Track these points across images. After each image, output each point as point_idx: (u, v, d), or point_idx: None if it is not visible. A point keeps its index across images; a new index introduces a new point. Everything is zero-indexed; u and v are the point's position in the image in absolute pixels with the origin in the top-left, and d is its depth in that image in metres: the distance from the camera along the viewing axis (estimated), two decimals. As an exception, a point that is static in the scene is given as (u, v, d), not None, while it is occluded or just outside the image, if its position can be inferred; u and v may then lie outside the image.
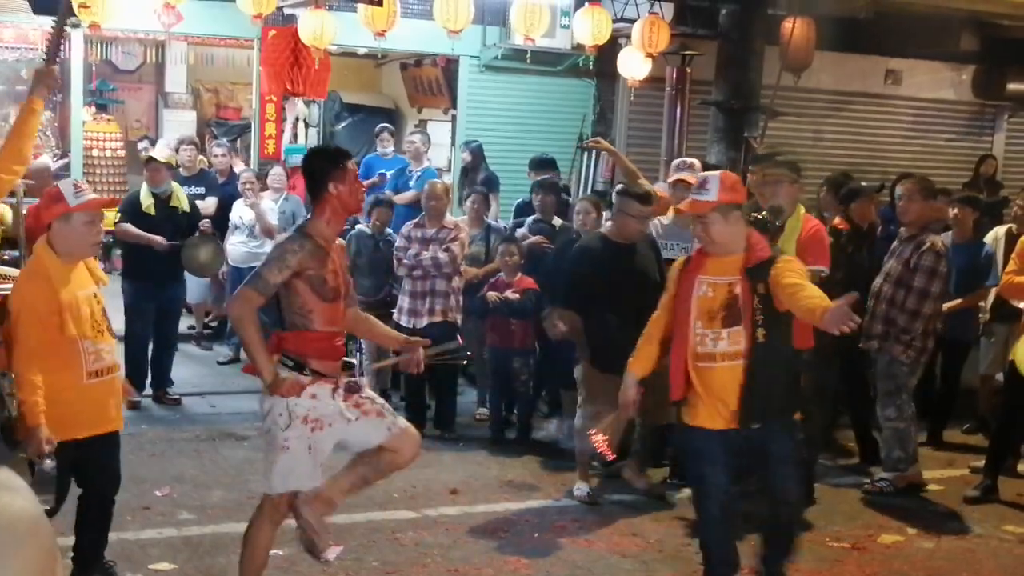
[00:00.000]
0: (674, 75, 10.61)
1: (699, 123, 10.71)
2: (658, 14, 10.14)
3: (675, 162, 7.62)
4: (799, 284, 4.58)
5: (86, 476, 4.79)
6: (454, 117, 12.15)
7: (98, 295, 4.66)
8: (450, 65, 12.07)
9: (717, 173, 4.96)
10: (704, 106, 10.59)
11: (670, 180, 7.16)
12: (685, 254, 5.73)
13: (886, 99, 12.76)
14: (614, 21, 10.15)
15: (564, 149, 11.20)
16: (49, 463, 4.44)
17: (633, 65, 10.33)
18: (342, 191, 4.50)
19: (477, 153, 10.80)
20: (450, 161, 11.99)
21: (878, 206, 8.70)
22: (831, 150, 12.11)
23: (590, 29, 9.93)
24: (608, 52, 10.55)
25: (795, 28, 10.28)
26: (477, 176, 10.56)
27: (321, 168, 4.55)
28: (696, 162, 7.43)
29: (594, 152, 11.02)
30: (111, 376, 4.66)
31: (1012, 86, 12.98)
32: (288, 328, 4.54)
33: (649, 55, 10.13)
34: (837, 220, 7.56)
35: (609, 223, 6.86)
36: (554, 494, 6.80)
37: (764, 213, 6.57)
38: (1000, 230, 8.31)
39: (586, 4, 10.02)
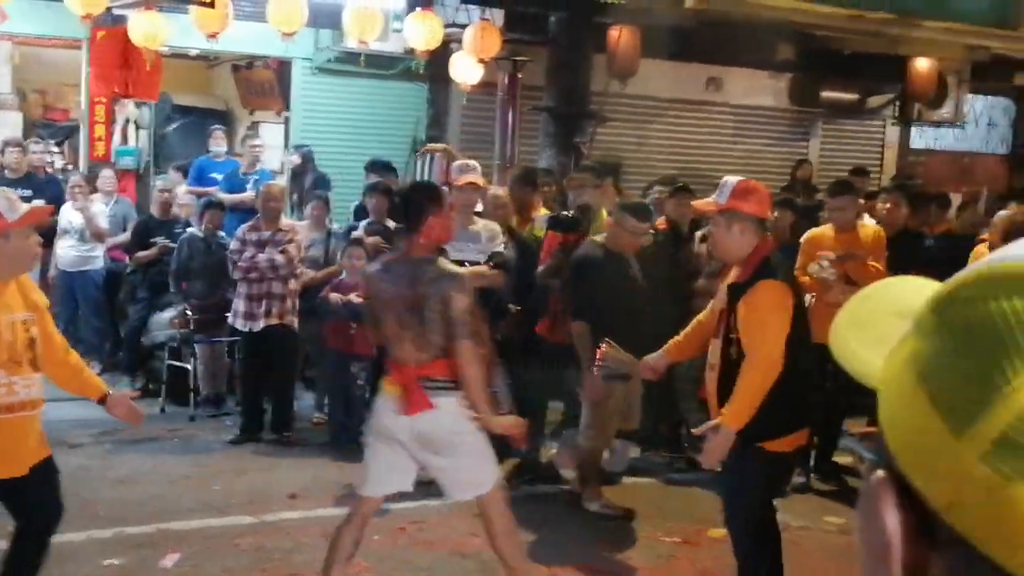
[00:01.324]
0: (506, 80, 10.82)
1: (530, 128, 10.95)
2: (489, 20, 10.31)
3: (457, 164, 7.64)
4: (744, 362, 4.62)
5: (17, 512, 4.43)
6: (287, 119, 12.09)
7: (28, 322, 4.23)
8: (283, 67, 12.00)
9: (735, 179, 4.84)
10: (535, 111, 10.84)
11: (459, 183, 7.17)
12: (482, 256, 6.12)
13: (708, 105, 13.20)
14: (446, 26, 10.28)
15: (398, 152, 11.28)
16: None
17: (465, 70, 10.48)
18: (438, 223, 4.87)
19: (307, 156, 10.78)
20: (283, 164, 11.92)
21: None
22: (658, 155, 12.48)
23: (422, 34, 10.04)
24: (440, 56, 10.67)
25: (621, 36, 10.61)
26: (306, 179, 10.53)
27: (420, 203, 4.88)
28: (474, 163, 7.60)
29: (427, 155, 11.17)
30: (26, 413, 4.23)
31: (826, 94, 13.62)
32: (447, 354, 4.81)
33: (481, 60, 10.30)
34: (658, 220, 7.91)
35: (605, 234, 6.84)
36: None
37: (572, 212, 6.88)
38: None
39: (418, 9, 10.12)
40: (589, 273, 6.54)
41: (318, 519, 6.34)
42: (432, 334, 4.77)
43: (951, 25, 12.46)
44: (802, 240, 7.49)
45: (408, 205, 4.99)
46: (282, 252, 8.03)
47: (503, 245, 7.20)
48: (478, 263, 7.04)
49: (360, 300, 8.01)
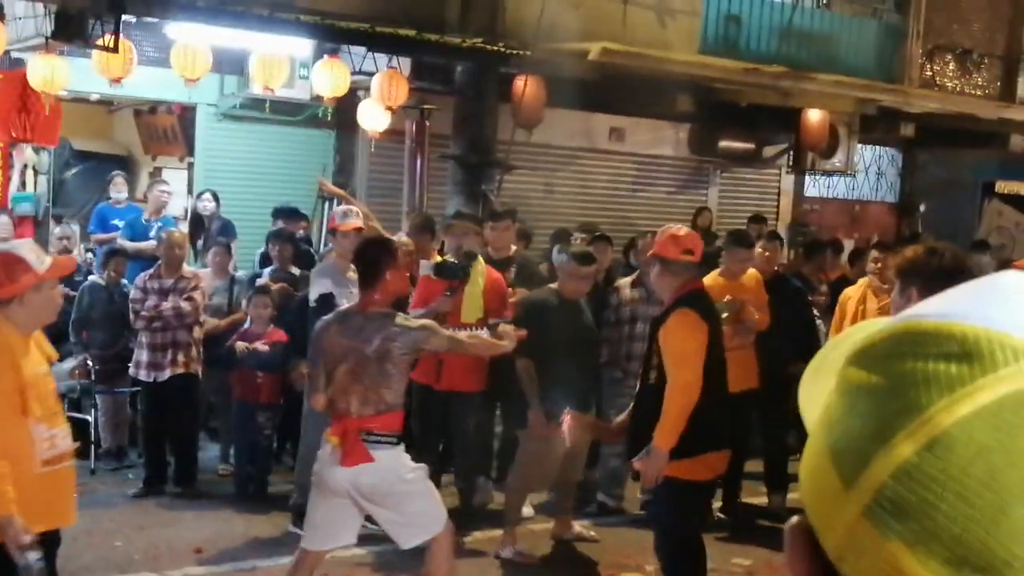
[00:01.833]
0: (413, 128, 10.88)
1: (438, 176, 11.02)
2: (396, 69, 10.37)
3: (340, 209, 7.68)
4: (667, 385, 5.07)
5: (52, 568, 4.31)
6: (191, 165, 11.96)
7: (48, 373, 4.23)
8: (187, 113, 11.88)
9: (667, 227, 5.48)
10: (443, 159, 10.91)
11: (343, 229, 7.22)
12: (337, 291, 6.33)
13: (612, 154, 13.39)
14: (353, 74, 10.30)
15: (305, 199, 11.23)
16: (34, 555, 3.94)
17: (373, 117, 10.50)
18: (395, 278, 5.08)
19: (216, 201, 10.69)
20: (186, 210, 11.78)
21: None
22: (564, 202, 12.63)
23: (329, 81, 10.05)
24: (348, 104, 10.69)
25: (527, 86, 10.75)
26: (212, 226, 10.41)
27: (376, 258, 5.04)
28: (355, 208, 7.70)
29: (334, 201, 11.14)
30: (65, 465, 4.23)
31: (723, 144, 13.94)
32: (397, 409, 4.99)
33: (388, 108, 10.34)
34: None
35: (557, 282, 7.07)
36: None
37: (452, 259, 7.03)
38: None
39: (325, 57, 10.13)
40: (543, 317, 6.73)
41: (224, 574, 6.25)
42: (384, 389, 4.86)
43: (841, 79, 12.94)
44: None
45: (364, 260, 5.11)
46: (188, 300, 7.93)
47: None
48: None
49: (266, 349, 7.95)
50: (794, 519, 0.75)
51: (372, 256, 5.08)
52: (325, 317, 5.37)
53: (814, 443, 0.74)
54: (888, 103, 13.99)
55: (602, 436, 6.17)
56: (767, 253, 8.19)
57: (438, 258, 7.85)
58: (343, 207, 7.78)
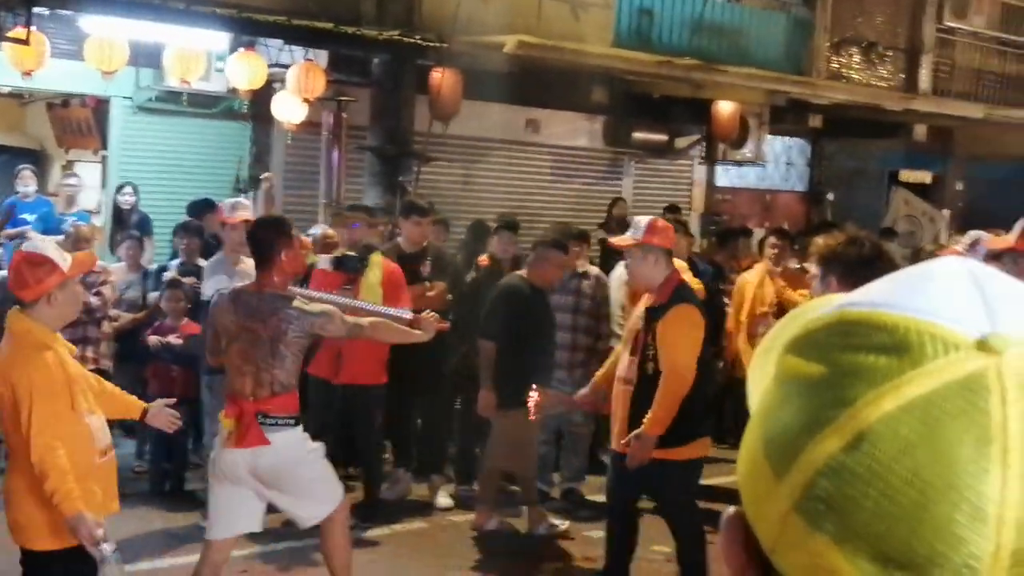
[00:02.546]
0: (330, 120, 10.90)
1: (356, 167, 11.06)
2: (313, 61, 10.39)
3: (229, 202, 7.73)
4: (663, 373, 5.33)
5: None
6: (105, 158, 11.84)
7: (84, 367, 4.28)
8: (101, 106, 11.75)
9: (649, 217, 5.67)
10: (360, 151, 10.96)
11: (232, 222, 7.29)
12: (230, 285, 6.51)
13: (527, 146, 13.51)
14: (269, 66, 10.30)
15: (221, 191, 11.18)
16: (108, 547, 3.92)
17: (289, 109, 10.50)
18: (290, 258, 4.98)
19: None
20: (100, 203, 11.66)
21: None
22: (482, 194, 12.70)
23: (245, 73, 10.04)
24: (264, 96, 10.67)
25: (444, 79, 10.84)
26: (131, 220, 10.34)
27: (269, 237, 4.94)
28: (245, 201, 7.84)
29: (250, 193, 11.16)
30: (112, 453, 4.28)
31: (637, 135, 14.14)
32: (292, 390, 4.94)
33: (305, 100, 10.35)
34: (481, 257, 8.21)
35: (527, 268, 7.18)
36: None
37: (351, 252, 7.13)
38: None
39: (241, 49, 10.12)
40: (514, 304, 6.92)
41: (142, 572, 6.21)
42: (277, 370, 4.81)
43: (751, 71, 13.23)
44: (625, 280, 7.94)
45: (257, 240, 5.04)
46: (97, 294, 7.88)
47: None
48: None
49: (180, 342, 7.92)
50: (731, 509, 0.74)
51: (265, 236, 5.00)
52: (220, 291, 5.32)
53: (751, 431, 0.73)
54: (797, 95, 14.31)
55: (571, 406, 6.44)
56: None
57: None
58: (231, 200, 7.76)
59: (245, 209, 7.40)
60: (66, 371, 4.08)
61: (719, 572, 5.56)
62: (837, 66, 14.84)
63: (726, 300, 9.30)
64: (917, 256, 13.20)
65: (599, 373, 6.11)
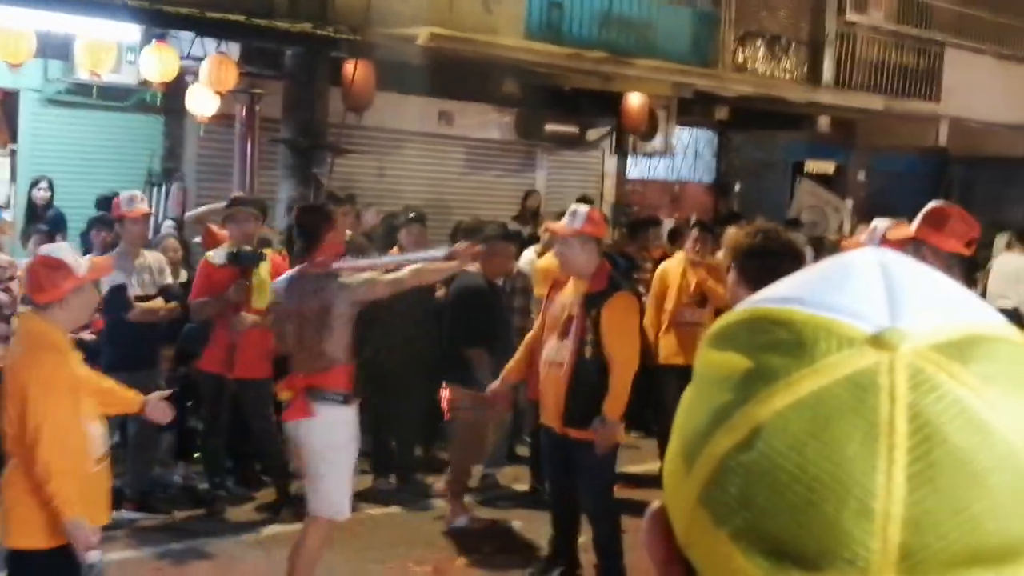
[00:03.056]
0: (243, 113, 10.92)
1: (270, 160, 11.09)
2: (225, 53, 10.39)
3: (126, 196, 7.63)
4: (611, 359, 5.58)
5: None
6: (14, 152, 11.68)
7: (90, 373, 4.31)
8: (9, 98, 11.59)
9: (587, 208, 5.90)
10: (274, 143, 10.99)
11: (132, 216, 7.32)
12: (153, 290, 6.61)
13: (442, 138, 13.63)
14: (181, 58, 10.27)
15: (132, 185, 11.11)
16: (96, 555, 3.97)
17: (202, 102, 10.49)
18: (333, 239, 5.39)
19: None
20: (9, 198, 11.51)
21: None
22: (397, 186, 12.76)
23: (157, 66, 10.00)
24: (176, 88, 10.64)
25: (357, 71, 10.91)
26: (46, 214, 10.23)
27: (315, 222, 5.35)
28: (141, 194, 7.97)
29: (163, 186, 11.15)
30: (107, 462, 4.27)
31: (549, 127, 14.35)
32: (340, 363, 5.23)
33: (218, 93, 10.35)
34: (392, 250, 8.28)
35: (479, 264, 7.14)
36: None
37: (245, 247, 7.20)
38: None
39: (153, 41, 10.08)
40: (480, 302, 7.10)
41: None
42: (325, 344, 5.13)
43: (659, 64, 13.50)
44: (537, 268, 8.13)
45: (303, 227, 5.46)
46: (5, 290, 7.82)
47: (171, 277, 7.57)
48: (150, 296, 7.22)
49: (92, 338, 7.86)
50: (656, 501, 0.74)
51: (311, 221, 5.43)
52: (276, 281, 5.68)
53: (675, 423, 0.72)
54: (703, 87, 14.59)
55: (483, 402, 6.54)
56: None
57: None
58: (127, 194, 7.70)
59: (143, 203, 7.44)
60: (75, 376, 4.16)
61: (636, 560, 5.73)
62: (742, 59, 15.18)
63: (642, 290, 9.46)
64: (820, 245, 13.62)
65: (509, 365, 6.26)
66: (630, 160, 15.84)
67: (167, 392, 4.86)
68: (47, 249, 4.58)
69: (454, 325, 7.20)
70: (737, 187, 17.78)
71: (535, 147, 14.66)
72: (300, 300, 5.20)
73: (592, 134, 15.04)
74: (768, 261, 3.84)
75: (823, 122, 17.44)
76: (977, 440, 0.62)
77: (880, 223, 5.55)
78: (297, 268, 5.53)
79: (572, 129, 14.71)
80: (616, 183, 15.75)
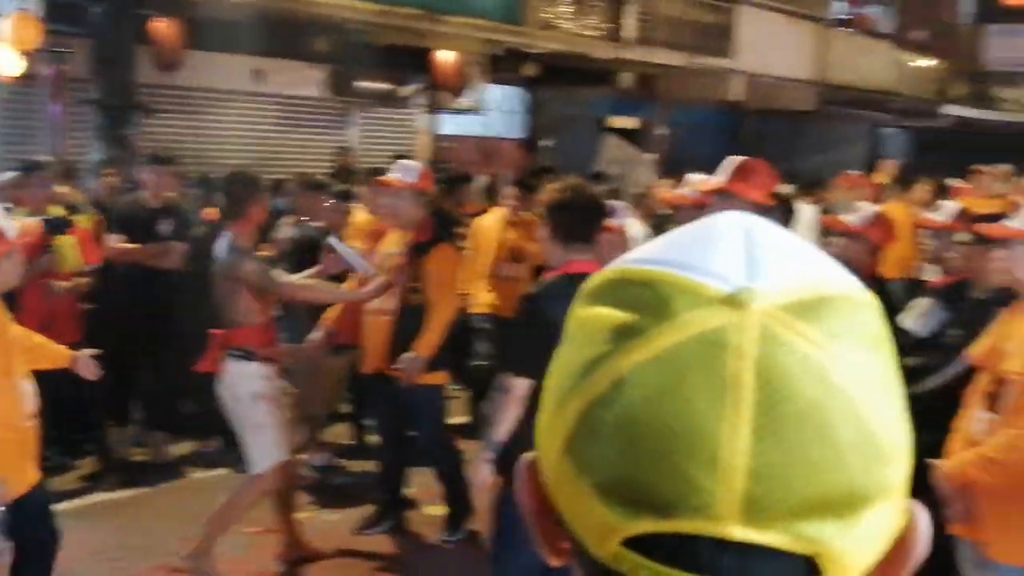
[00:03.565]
0: (50, 73, 10.59)
1: (80, 121, 10.80)
2: (28, 11, 10.05)
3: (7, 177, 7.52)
4: (431, 305, 5.98)
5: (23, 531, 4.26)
6: None
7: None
8: None
9: (418, 164, 6.36)
10: (83, 104, 10.71)
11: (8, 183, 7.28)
12: None
13: (254, 96, 13.47)
14: (-21, 17, 9.90)
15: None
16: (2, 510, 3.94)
17: (5, 62, 10.13)
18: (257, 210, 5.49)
19: None
20: None
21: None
22: (211, 145, 12.58)
23: (-47, 24, 9.62)
24: (-25, 48, 10.23)
25: (165, 28, 10.72)
26: None
27: (242, 193, 5.47)
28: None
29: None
30: (37, 420, 4.26)
31: (362, 84, 14.33)
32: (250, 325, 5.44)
33: (22, 52, 10.02)
34: (208, 210, 8.24)
35: None
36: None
37: (52, 212, 7.14)
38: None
39: (-52, -2, 9.68)
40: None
41: None
42: (230, 307, 5.42)
43: (470, 20, 13.68)
44: (354, 223, 8.20)
45: (230, 195, 5.61)
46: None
47: None
48: None
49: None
50: (529, 454, 0.76)
51: (236, 190, 5.55)
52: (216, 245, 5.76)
53: (546, 377, 0.75)
54: (513, 44, 14.85)
55: (300, 353, 6.78)
56: None
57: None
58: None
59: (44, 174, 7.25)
60: (5, 335, 4.16)
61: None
62: (550, 16, 15.49)
63: (461, 246, 9.63)
64: (624, 198, 14.07)
65: (326, 315, 6.68)
66: (443, 117, 16.00)
67: (96, 351, 4.91)
68: None
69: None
70: (547, 143, 18.16)
71: (349, 104, 14.65)
72: (218, 265, 5.49)
73: (405, 91, 15.12)
74: (576, 215, 4.17)
75: (626, 78, 17.93)
76: (820, 394, 0.65)
77: (693, 177, 6.00)
78: (228, 235, 5.60)
79: (385, 86, 14.75)
80: (431, 140, 15.90)
